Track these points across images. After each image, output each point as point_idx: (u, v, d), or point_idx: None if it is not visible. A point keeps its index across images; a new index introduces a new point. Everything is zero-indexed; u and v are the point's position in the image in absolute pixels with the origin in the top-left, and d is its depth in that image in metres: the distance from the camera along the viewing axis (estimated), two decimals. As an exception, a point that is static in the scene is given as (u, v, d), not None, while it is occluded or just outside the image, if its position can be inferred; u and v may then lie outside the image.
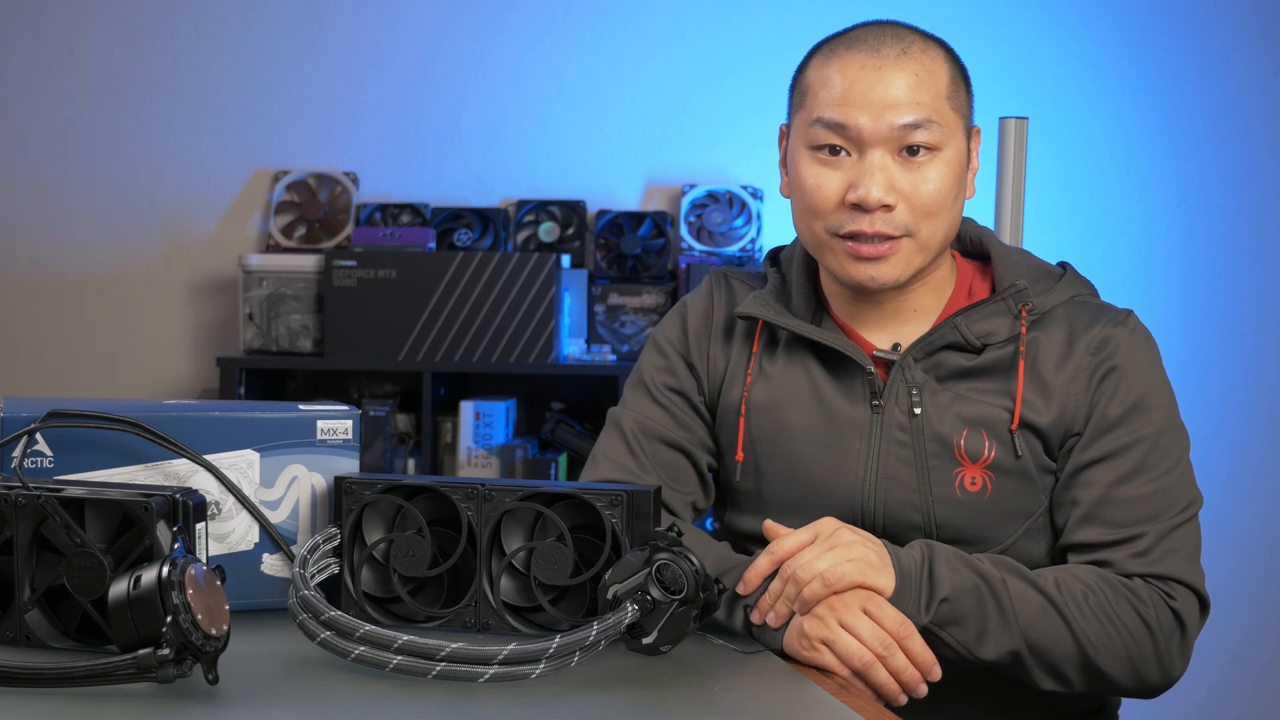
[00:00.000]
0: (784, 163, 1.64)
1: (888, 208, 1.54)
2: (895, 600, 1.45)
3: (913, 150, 1.54)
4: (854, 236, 1.55)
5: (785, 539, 1.47)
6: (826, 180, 1.56)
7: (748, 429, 1.65)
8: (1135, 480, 1.55)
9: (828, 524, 1.48)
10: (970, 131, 1.60)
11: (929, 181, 1.54)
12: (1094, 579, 1.51)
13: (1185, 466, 1.58)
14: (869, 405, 1.60)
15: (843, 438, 1.61)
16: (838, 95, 1.54)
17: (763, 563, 1.47)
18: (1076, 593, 1.49)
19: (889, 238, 1.55)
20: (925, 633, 1.45)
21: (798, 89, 1.61)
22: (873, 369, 1.60)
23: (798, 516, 1.62)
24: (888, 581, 1.45)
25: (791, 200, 1.62)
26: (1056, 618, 1.48)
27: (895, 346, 1.62)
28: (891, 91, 1.53)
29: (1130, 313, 1.62)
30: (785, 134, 1.64)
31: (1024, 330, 1.59)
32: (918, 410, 1.58)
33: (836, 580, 1.43)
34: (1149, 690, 1.54)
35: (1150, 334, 1.62)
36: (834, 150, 1.55)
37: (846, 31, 1.59)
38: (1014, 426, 1.57)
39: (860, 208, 1.54)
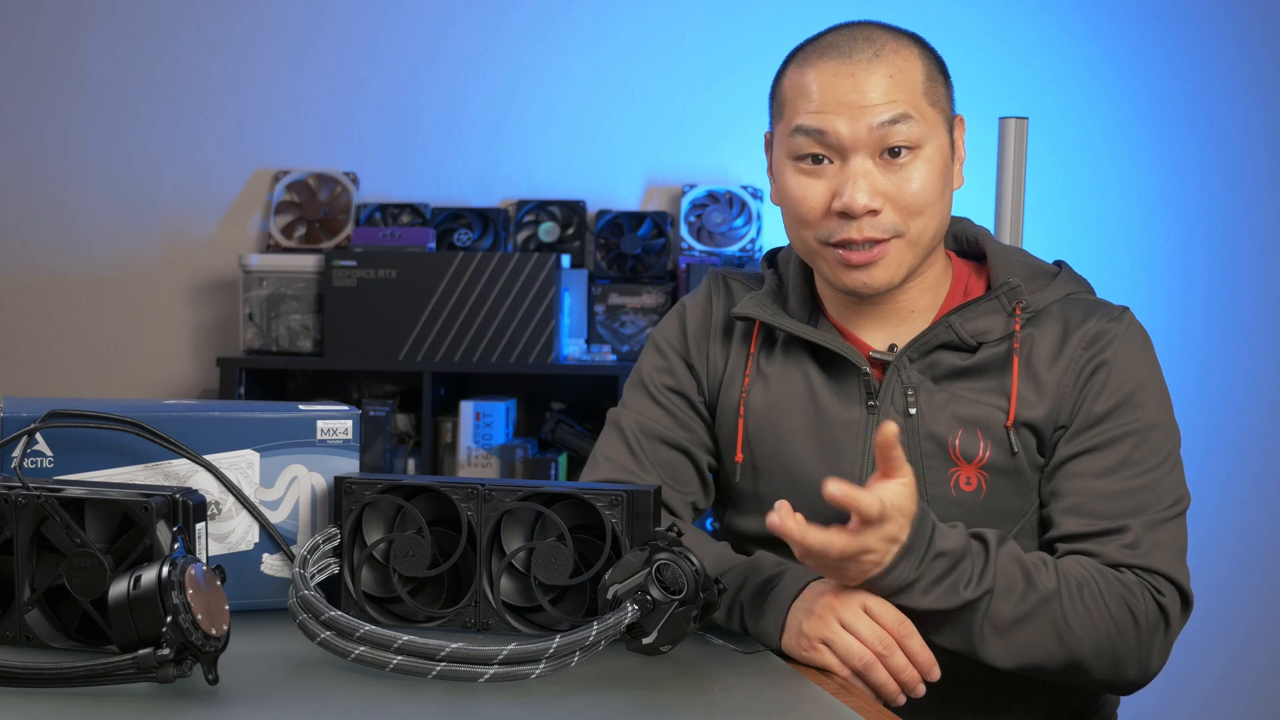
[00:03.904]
0: (771, 171, 1.65)
1: (874, 212, 1.54)
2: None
3: (894, 151, 1.54)
4: (844, 244, 1.55)
5: (834, 542, 1.37)
6: (811, 190, 1.56)
7: (746, 430, 1.65)
8: (1121, 474, 1.54)
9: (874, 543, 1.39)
10: (953, 122, 1.60)
11: (913, 181, 1.54)
12: (1088, 570, 1.50)
13: (1174, 464, 1.57)
14: (864, 406, 1.60)
15: (838, 439, 1.61)
16: (814, 103, 1.54)
17: (797, 533, 1.37)
18: (1072, 584, 1.48)
19: (878, 241, 1.55)
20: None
21: (776, 99, 1.61)
22: (868, 370, 1.60)
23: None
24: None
25: (781, 209, 1.62)
26: (1045, 616, 1.46)
27: (892, 347, 1.62)
28: (867, 95, 1.53)
29: (1125, 309, 1.62)
30: (770, 143, 1.64)
31: (1018, 328, 1.59)
32: (913, 411, 1.58)
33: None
34: (1125, 685, 1.53)
35: (1145, 331, 1.62)
36: (816, 159, 1.56)
37: (819, 37, 1.59)
38: (1009, 423, 1.56)
39: (847, 215, 1.54)
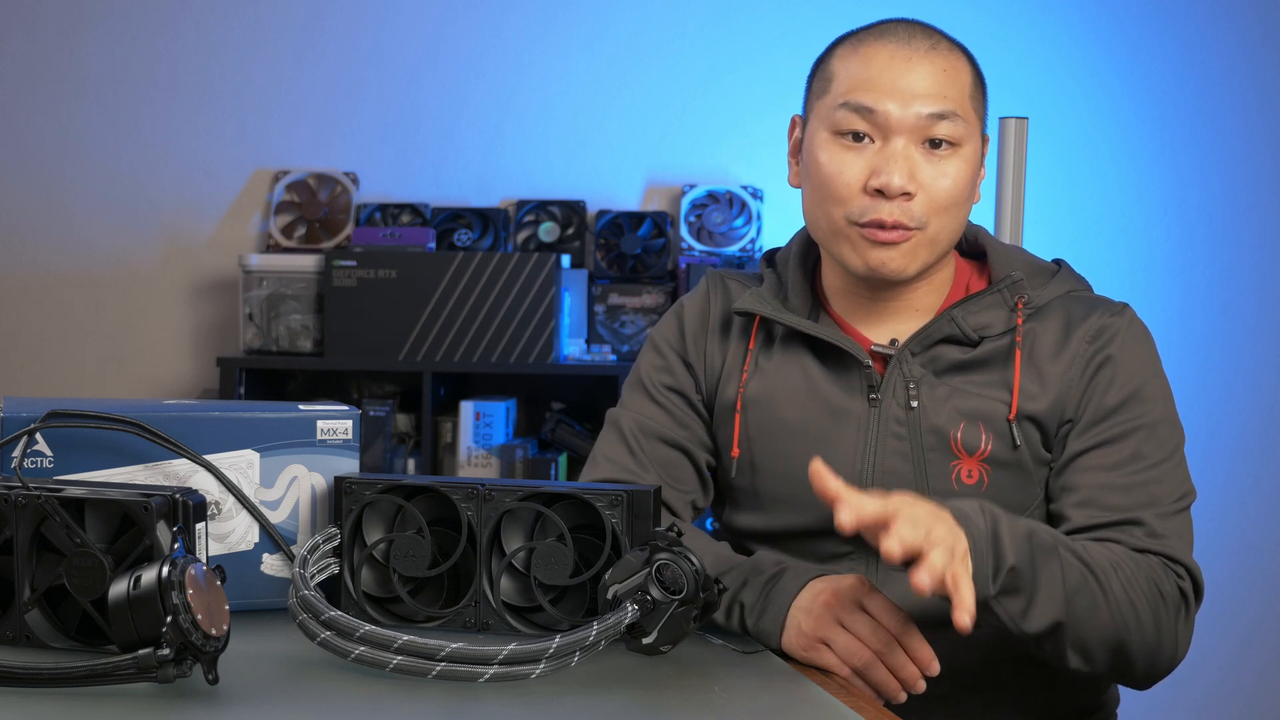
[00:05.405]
0: (795, 153, 1.65)
1: (908, 195, 1.54)
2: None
3: (935, 143, 1.55)
4: (874, 225, 1.55)
5: (866, 504, 1.29)
6: (848, 166, 1.56)
7: (744, 425, 1.65)
8: (1132, 466, 1.55)
9: (911, 508, 1.31)
10: (983, 138, 1.62)
11: (947, 176, 1.55)
12: (1119, 552, 1.49)
13: (1180, 459, 1.58)
14: (866, 399, 1.60)
15: (839, 432, 1.61)
16: (867, 81, 1.56)
17: (871, 508, 1.28)
18: (1105, 564, 1.47)
19: (904, 228, 1.55)
20: (978, 606, 1.33)
21: (820, 76, 1.61)
22: (870, 363, 1.60)
23: (793, 512, 1.62)
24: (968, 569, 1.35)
25: (804, 188, 1.62)
26: (1095, 586, 1.44)
27: (893, 342, 1.62)
28: (921, 82, 1.55)
29: (1126, 305, 1.63)
30: (798, 124, 1.65)
31: (1020, 322, 1.59)
32: (914, 404, 1.59)
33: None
34: (1156, 672, 1.52)
35: (1146, 327, 1.63)
36: (857, 136, 1.56)
37: (874, 25, 1.61)
38: (1011, 416, 1.57)
39: (882, 193, 1.54)
